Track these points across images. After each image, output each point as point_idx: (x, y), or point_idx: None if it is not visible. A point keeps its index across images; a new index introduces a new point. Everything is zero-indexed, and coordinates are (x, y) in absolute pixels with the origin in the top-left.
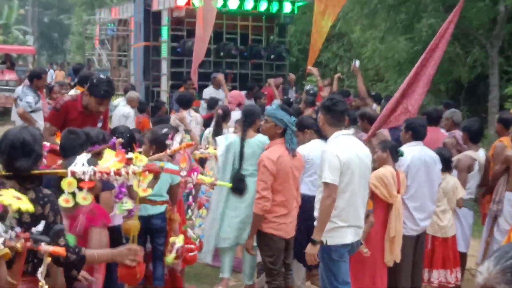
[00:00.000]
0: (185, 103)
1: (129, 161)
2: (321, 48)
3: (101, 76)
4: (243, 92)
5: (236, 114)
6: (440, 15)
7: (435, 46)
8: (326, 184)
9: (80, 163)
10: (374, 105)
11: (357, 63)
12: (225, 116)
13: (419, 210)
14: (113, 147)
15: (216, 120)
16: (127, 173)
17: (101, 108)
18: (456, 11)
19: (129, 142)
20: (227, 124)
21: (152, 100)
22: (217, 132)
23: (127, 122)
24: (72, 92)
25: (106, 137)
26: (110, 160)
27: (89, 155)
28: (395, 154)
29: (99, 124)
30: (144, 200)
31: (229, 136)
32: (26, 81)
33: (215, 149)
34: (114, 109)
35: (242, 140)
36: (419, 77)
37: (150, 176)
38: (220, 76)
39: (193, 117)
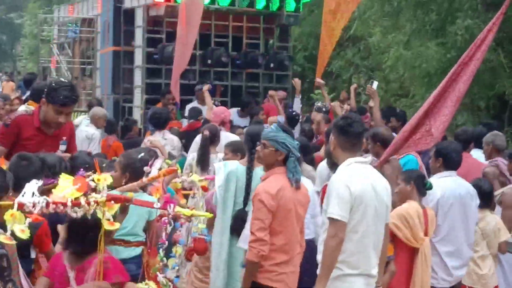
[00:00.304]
0: (159, 122)
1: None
2: (332, 54)
3: (62, 79)
4: (234, 110)
5: (225, 136)
6: (479, 15)
7: (469, 58)
8: (332, 221)
9: (30, 192)
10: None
11: (375, 85)
12: (213, 138)
13: (452, 256)
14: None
15: (202, 144)
16: (88, 203)
17: (61, 118)
18: (498, 17)
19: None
20: (215, 148)
21: (123, 118)
22: (203, 158)
23: (91, 145)
24: (22, 108)
25: (68, 167)
26: (66, 188)
27: (40, 182)
28: (422, 187)
29: (63, 147)
30: (114, 241)
31: (229, 164)
32: None
33: (203, 179)
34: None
35: (249, 170)
36: (447, 94)
37: (116, 207)
38: (205, 88)
39: (168, 140)
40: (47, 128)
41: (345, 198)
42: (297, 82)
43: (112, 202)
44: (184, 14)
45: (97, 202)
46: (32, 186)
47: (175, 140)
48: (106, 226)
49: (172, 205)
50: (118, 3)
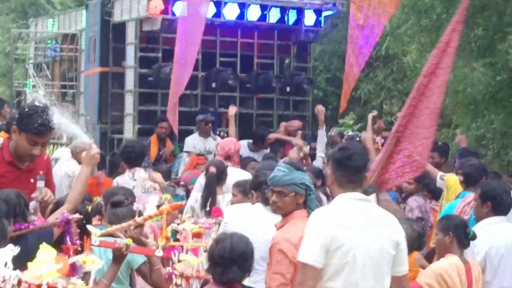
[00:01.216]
0: (130, 158)
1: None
2: (359, 77)
3: (36, 103)
4: (244, 142)
5: (231, 173)
6: None
7: (435, 66)
8: (302, 266)
9: (2, 263)
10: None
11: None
12: (220, 176)
13: None
14: (64, 226)
15: (208, 183)
16: None
17: (35, 150)
18: (460, 14)
19: (83, 227)
20: (221, 189)
21: (110, 152)
22: (208, 199)
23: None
24: None
25: (26, 203)
26: (44, 265)
27: (16, 249)
28: (464, 237)
29: (41, 183)
30: None
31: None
32: None
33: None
34: (53, 165)
35: None
36: (418, 111)
37: None
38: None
39: (137, 181)
40: (20, 162)
41: (319, 239)
42: (320, 110)
43: None
44: (184, 29)
45: None
46: (6, 254)
47: (147, 181)
48: None
49: (176, 252)
50: (106, 16)
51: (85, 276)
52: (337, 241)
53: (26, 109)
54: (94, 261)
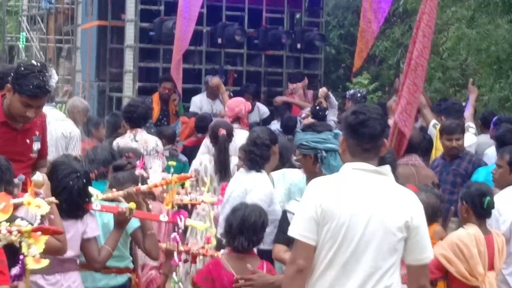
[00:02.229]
0: (132, 118)
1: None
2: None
3: (33, 62)
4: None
5: (240, 136)
6: None
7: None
8: (294, 242)
9: None
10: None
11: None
12: (229, 138)
13: None
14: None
15: (220, 146)
16: (10, 232)
17: (29, 113)
18: None
19: (84, 190)
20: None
21: (109, 112)
22: (222, 163)
23: (69, 147)
24: None
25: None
26: None
27: None
28: (480, 207)
29: (37, 145)
30: (87, 266)
31: (287, 172)
32: None
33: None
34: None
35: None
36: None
37: (43, 239)
38: (216, 80)
39: (139, 143)
40: (14, 122)
41: (309, 212)
42: (323, 91)
43: (39, 233)
44: None
45: (20, 232)
46: None
47: (150, 143)
48: (31, 264)
49: (182, 217)
50: None
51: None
52: (329, 215)
53: (22, 68)
54: (40, 205)
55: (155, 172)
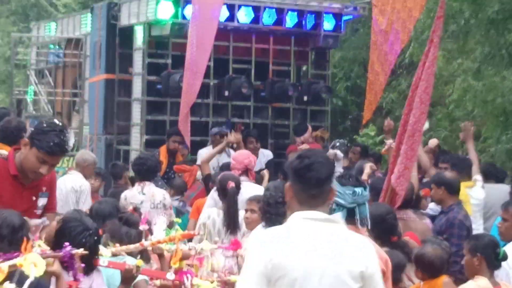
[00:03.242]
0: (141, 171)
1: None
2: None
3: (55, 121)
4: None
5: (248, 189)
6: None
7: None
8: None
9: None
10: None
11: (427, 125)
12: (238, 190)
13: None
14: (68, 261)
15: (229, 199)
16: None
17: (43, 169)
18: (437, 24)
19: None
20: None
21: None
22: (231, 216)
23: (80, 202)
24: None
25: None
26: None
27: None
28: (494, 258)
29: (42, 201)
30: None
31: None
32: None
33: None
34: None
35: None
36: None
37: None
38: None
39: (147, 196)
40: (24, 177)
41: (258, 267)
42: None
43: None
44: (195, 33)
45: None
46: None
47: (157, 196)
48: None
49: (189, 276)
50: (113, 20)
51: None
52: (280, 270)
53: (44, 125)
54: (37, 263)
55: (159, 229)
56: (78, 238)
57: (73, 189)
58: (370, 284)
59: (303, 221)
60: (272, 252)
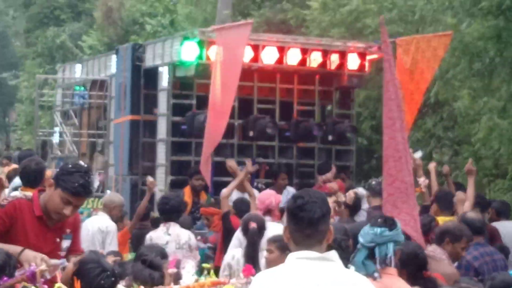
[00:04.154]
0: (165, 212)
1: None
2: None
3: (80, 163)
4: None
5: (271, 228)
6: None
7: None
8: None
9: None
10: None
11: (419, 154)
12: (261, 232)
13: None
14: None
15: (249, 239)
16: None
17: (67, 210)
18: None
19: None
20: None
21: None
22: (251, 256)
23: (106, 243)
24: (16, 193)
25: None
26: None
27: None
28: None
29: (66, 243)
30: None
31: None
32: None
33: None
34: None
35: None
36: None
37: None
38: (231, 163)
39: (172, 236)
40: (49, 219)
41: None
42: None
43: None
44: (219, 74)
45: None
46: None
47: (182, 237)
48: None
49: None
50: (137, 61)
51: None
52: None
53: (70, 166)
54: None
55: (188, 273)
56: (96, 280)
57: (99, 230)
58: None
59: (297, 261)
60: None
